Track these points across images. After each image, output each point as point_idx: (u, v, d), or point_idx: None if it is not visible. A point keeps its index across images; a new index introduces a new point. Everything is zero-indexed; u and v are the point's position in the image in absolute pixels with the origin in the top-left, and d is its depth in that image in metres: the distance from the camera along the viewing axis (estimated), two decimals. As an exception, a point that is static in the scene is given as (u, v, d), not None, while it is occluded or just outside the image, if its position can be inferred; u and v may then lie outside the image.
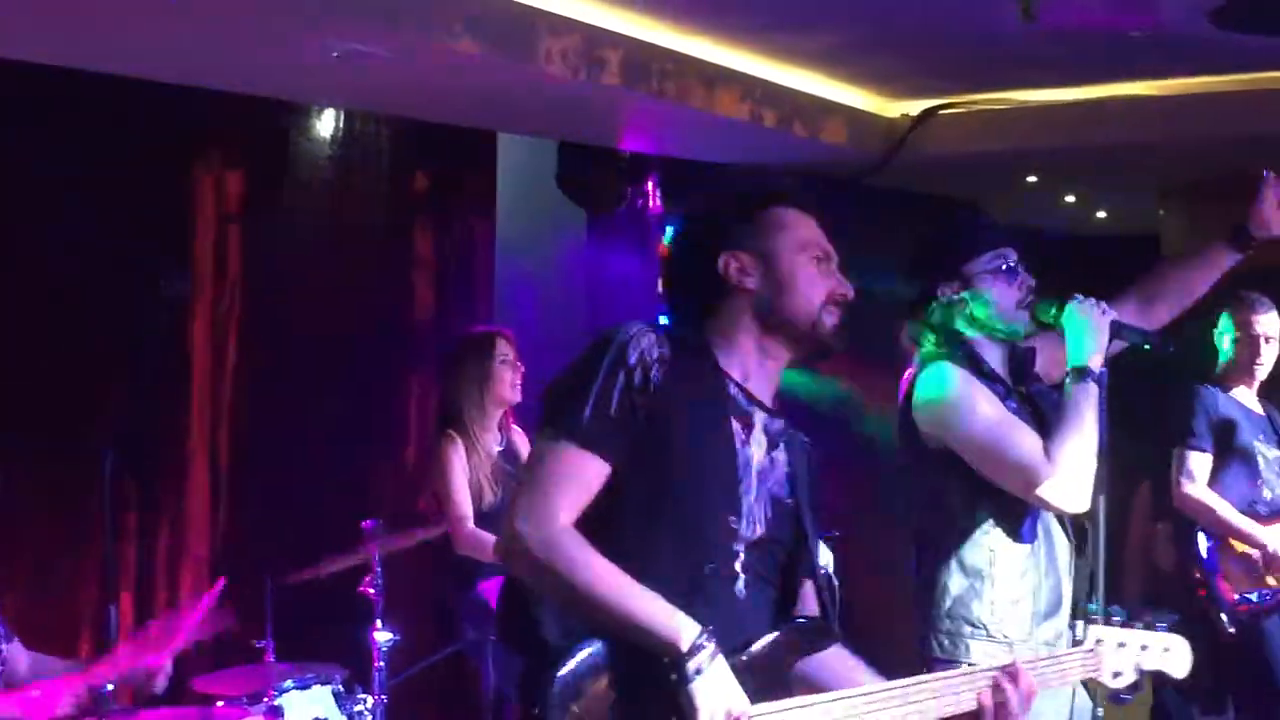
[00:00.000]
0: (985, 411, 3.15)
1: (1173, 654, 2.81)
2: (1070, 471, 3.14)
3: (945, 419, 3.15)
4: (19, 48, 4.12)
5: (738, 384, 2.15)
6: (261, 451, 5.18)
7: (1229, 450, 4.96)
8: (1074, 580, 3.37)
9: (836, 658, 2.25)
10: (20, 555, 4.41)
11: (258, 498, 5.20)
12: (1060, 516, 3.31)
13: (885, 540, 4.00)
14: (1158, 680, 4.63)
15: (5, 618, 3.27)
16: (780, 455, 2.21)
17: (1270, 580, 4.94)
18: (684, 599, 1.99)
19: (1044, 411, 3.28)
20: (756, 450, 2.16)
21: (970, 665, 3.15)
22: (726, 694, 1.95)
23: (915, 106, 6.14)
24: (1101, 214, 8.46)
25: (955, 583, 3.25)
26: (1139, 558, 5.94)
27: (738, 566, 2.12)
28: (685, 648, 1.91)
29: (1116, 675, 2.75)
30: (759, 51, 5.30)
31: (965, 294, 3.22)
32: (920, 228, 6.03)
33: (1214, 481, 4.92)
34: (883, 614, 4.02)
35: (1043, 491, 3.13)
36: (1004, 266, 3.19)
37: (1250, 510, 4.87)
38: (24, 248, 4.50)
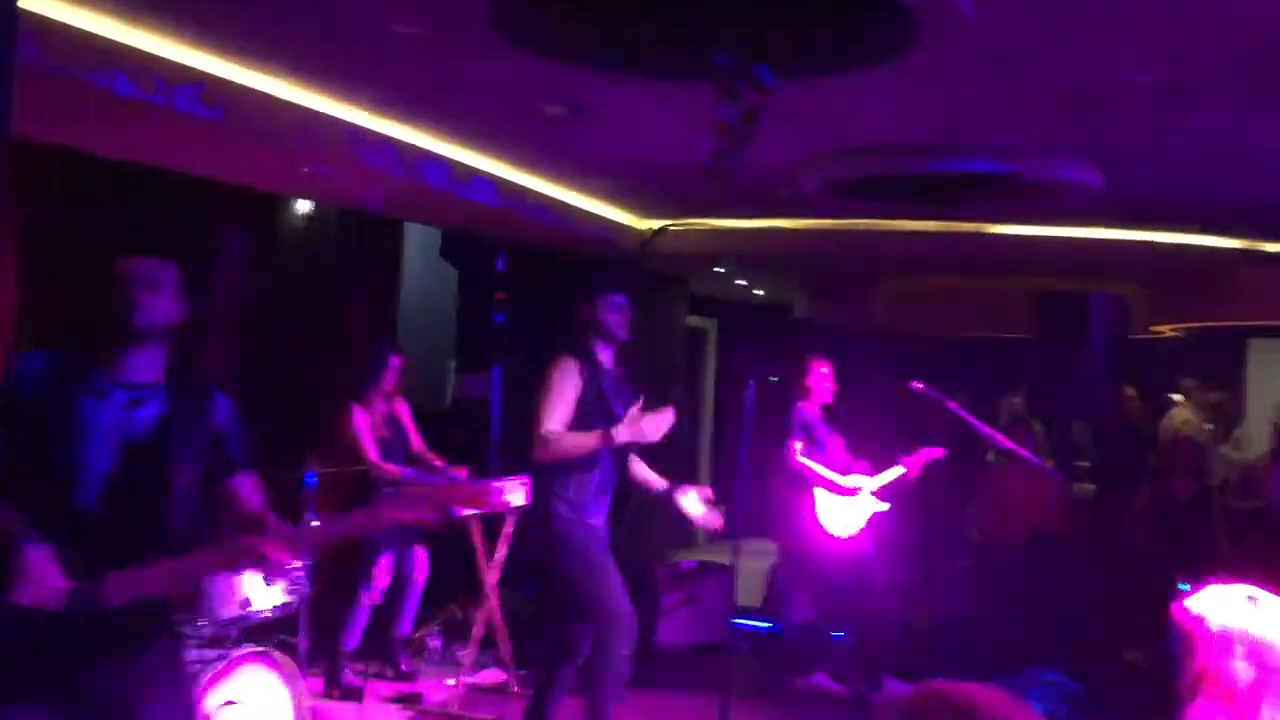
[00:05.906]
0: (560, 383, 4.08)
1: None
2: (553, 447, 4.03)
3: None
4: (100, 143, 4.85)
5: None
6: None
7: (811, 439, 6.17)
8: (617, 473, 4.22)
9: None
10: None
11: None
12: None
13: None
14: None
15: None
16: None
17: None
18: None
19: (607, 391, 4.16)
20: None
21: (563, 518, 4.11)
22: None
23: (656, 224, 7.92)
24: (758, 290, 10.28)
25: (558, 471, 4.17)
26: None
27: None
28: None
29: None
30: (574, 190, 6.88)
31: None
32: (656, 290, 8.19)
33: (806, 454, 6.13)
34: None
35: (535, 441, 4.04)
36: (615, 306, 4.24)
37: (831, 467, 6.12)
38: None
